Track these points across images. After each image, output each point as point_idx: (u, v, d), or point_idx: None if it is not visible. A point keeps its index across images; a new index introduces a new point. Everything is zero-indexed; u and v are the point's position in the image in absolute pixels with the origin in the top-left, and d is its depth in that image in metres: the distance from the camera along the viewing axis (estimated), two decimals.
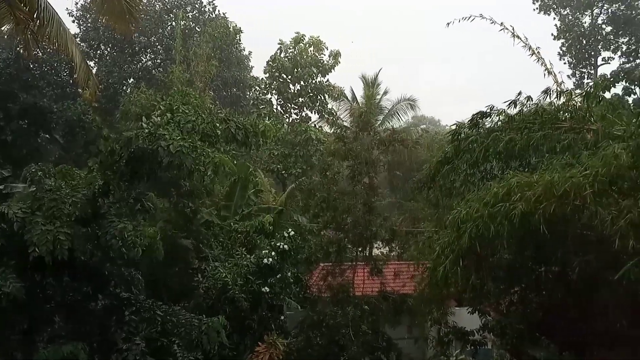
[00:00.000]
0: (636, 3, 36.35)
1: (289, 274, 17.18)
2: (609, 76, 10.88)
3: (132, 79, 33.25)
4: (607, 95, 10.13)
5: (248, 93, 36.07)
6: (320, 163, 21.86)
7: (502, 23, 11.82)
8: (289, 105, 33.71)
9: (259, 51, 40.22)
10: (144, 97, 21.42)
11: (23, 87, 23.37)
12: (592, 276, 9.36)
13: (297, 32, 32.87)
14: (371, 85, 28.73)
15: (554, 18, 39.42)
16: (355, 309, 16.61)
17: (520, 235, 8.16)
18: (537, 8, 39.51)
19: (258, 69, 40.11)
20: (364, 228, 16.97)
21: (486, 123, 10.48)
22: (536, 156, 9.34)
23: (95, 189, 12.35)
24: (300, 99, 33.09)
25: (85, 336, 12.60)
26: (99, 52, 33.93)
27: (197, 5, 35.83)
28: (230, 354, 15.23)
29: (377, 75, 28.86)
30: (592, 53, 38.70)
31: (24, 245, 11.39)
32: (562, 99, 10.01)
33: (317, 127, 30.99)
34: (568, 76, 38.71)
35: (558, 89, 10.42)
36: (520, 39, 11.92)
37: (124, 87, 32.61)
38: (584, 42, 38.51)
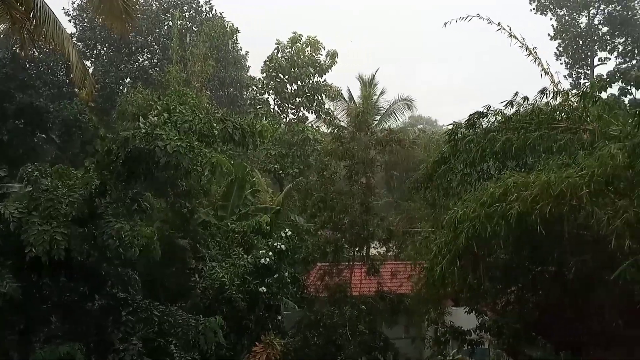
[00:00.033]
0: (632, 4, 36.40)
1: (286, 274, 17.20)
2: (605, 76, 10.87)
3: (128, 79, 33.19)
4: (604, 95, 10.19)
5: (245, 93, 35.99)
6: (318, 163, 21.90)
7: (499, 23, 11.82)
8: (286, 105, 33.66)
9: (256, 51, 40.38)
10: (141, 97, 21.45)
11: (19, 87, 23.35)
12: (588, 276, 9.39)
13: (294, 32, 32.84)
14: (368, 85, 28.74)
15: (551, 18, 39.45)
16: (352, 308, 16.64)
17: (517, 235, 8.16)
18: (534, 8, 39.50)
19: (255, 69, 40.04)
20: (361, 228, 17.00)
21: (483, 123, 10.52)
22: (533, 156, 9.36)
23: (92, 189, 12.30)
24: (297, 99, 33.02)
25: (82, 336, 12.56)
26: (95, 51, 33.91)
27: (193, 5, 35.79)
28: (228, 354, 15.24)
29: (374, 75, 28.95)
30: (589, 53, 38.73)
31: (21, 245, 11.36)
32: (559, 99, 10.06)
33: (314, 127, 31.00)
34: (564, 76, 38.72)
35: (555, 89, 10.46)
36: (517, 39, 11.92)
37: (121, 87, 32.55)
38: (581, 42, 38.53)
